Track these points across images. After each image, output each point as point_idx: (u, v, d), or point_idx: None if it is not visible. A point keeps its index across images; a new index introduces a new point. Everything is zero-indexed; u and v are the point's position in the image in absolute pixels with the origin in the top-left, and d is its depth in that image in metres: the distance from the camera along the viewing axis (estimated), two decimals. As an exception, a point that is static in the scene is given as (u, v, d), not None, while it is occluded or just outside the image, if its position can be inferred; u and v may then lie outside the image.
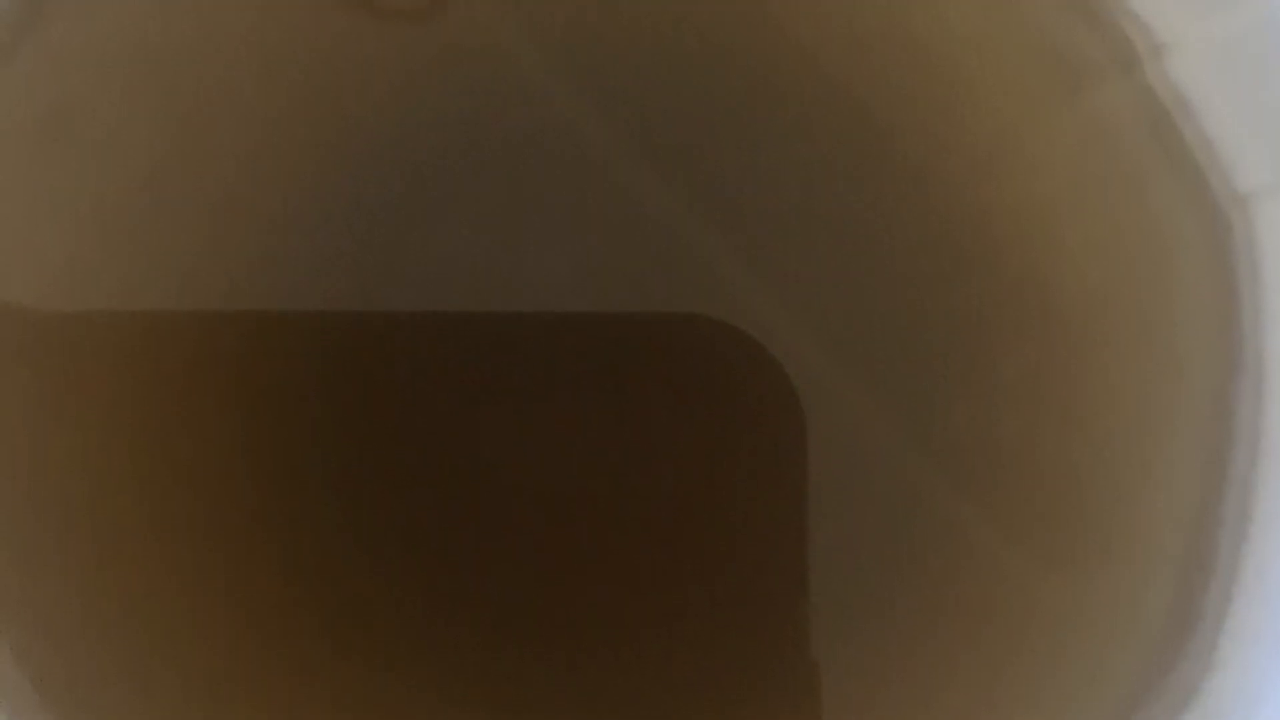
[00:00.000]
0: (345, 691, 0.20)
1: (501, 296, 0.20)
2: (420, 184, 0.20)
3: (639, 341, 0.20)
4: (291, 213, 0.21)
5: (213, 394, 0.20)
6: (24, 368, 0.20)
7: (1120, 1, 0.20)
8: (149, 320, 0.20)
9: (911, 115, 0.21)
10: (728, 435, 0.20)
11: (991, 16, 0.21)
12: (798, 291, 0.21)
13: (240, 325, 0.20)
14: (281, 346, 0.20)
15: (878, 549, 0.20)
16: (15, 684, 0.19)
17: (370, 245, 0.20)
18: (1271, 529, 0.20)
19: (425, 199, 0.20)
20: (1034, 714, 0.20)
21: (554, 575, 0.20)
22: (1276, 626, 0.19)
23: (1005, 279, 0.21)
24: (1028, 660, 0.20)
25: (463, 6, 0.21)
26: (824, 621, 0.20)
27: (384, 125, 0.21)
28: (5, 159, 0.20)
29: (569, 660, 0.20)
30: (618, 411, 0.20)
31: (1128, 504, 0.20)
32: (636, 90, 0.21)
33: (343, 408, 0.20)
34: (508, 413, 0.20)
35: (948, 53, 0.21)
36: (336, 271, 0.20)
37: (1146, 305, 0.20)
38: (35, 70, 0.20)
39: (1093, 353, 0.20)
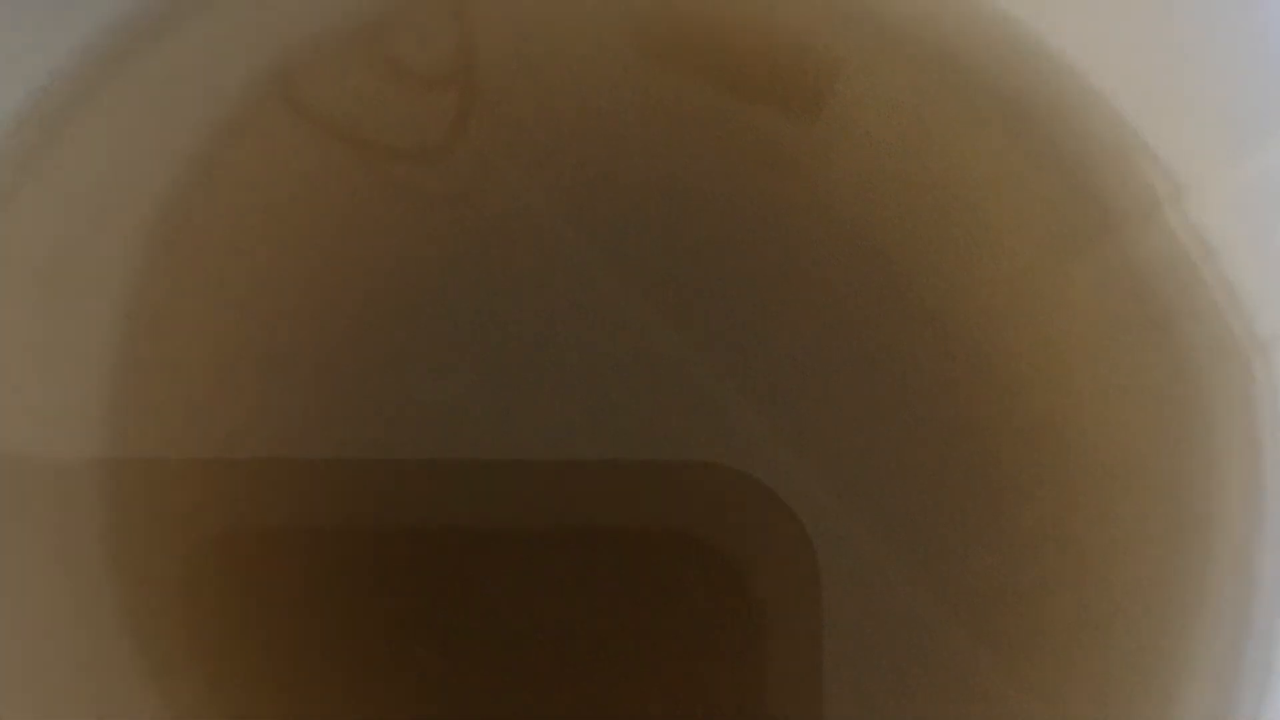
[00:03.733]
0: None
1: (514, 442, 0.20)
2: (429, 330, 0.20)
3: (652, 489, 0.20)
4: (295, 356, 0.20)
5: (214, 543, 0.20)
6: (16, 519, 0.20)
7: (1142, 145, 0.20)
8: (148, 468, 0.20)
9: (929, 259, 0.20)
10: (743, 583, 0.20)
11: (1011, 161, 0.20)
12: (813, 438, 0.20)
13: (242, 473, 0.20)
14: (284, 496, 0.20)
15: (894, 699, 0.20)
16: None
17: (378, 390, 0.20)
18: (1295, 685, 0.19)
19: (433, 346, 0.20)
20: None
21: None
22: (1300, 782, 0.19)
23: (1024, 425, 0.20)
24: (1047, 817, 0.20)
25: (474, 153, 0.20)
26: (839, 774, 0.20)
27: (395, 272, 0.20)
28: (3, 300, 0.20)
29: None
30: (627, 561, 0.20)
31: (1149, 655, 0.20)
32: (649, 236, 0.20)
33: (349, 554, 0.20)
34: (520, 559, 0.20)
35: (966, 196, 0.20)
36: (342, 416, 0.20)
37: (1168, 453, 0.20)
38: (36, 211, 0.20)
39: (1113, 501, 0.20)
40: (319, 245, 0.20)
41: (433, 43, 0.20)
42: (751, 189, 0.20)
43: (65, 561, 0.20)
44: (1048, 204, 0.20)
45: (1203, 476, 0.20)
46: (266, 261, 0.20)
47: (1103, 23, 0.20)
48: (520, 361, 0.20)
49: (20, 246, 0.20)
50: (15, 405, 0.20)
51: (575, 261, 0.20)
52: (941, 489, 0.20)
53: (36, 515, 0.20)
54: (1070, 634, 0.20)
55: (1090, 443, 0.20)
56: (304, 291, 0.20)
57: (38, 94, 0.20)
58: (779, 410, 0.20)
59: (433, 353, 0.20)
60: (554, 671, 0.20)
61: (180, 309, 0.20)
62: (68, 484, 0.20)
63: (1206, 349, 0.20)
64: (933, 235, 0.20)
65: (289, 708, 0.19)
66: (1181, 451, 0.20)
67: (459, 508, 0.20)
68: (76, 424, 0.20)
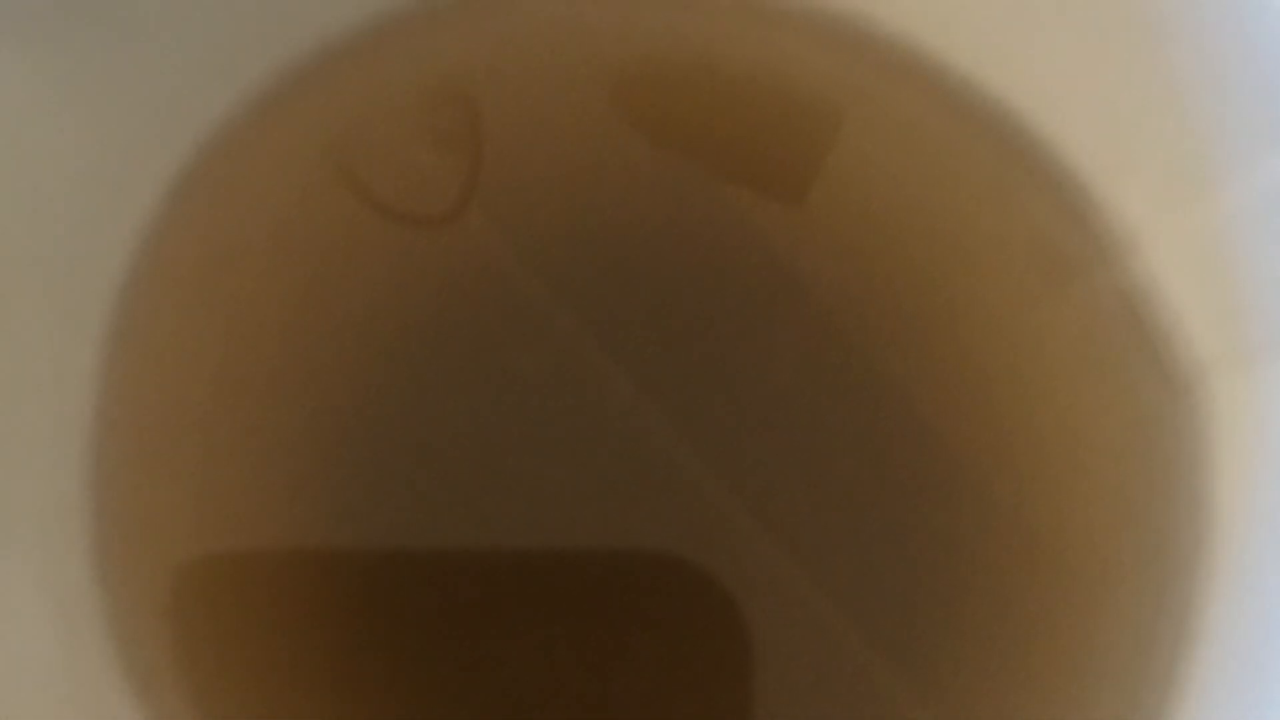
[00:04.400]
0: None
1: (494, 526, 0.20)
2: (419, 361, 0.20)
3: (617, 579, 0.20)
4: (281, 377, 0.20)
5: (201, 565, 0.19)
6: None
7: (1093, 194, 0.21)
8: (133, 489, 0.19)
9: (914, 292, 0.21)
10: (728, 653, 0.20)
11: (983, 213, 0.21)
12: (796, 451, 0.20)
13: (228, 494, 0.19)
14: (270, 517, 0.19)
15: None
16: None
17: (369, 409, 0.20)
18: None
19: (424, 375, 0.20)
20: None
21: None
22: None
23: (1008, 459, 0.20)
24: None
25: (466, 182, 0.21)
26: None
27: (387, 301, 0.20)
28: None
29: None
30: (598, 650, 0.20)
31: (1140, 681, 0.20)
32: (640, 278, 0.21)
33: (335, 576, 0.19)
34: (503, 599, 0.19)
35: (959, 227, 0.21)
36: (330, 435, 0.20)
37: (1161, 481, 0.20)
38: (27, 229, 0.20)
39: (1104, 531, 0.20)
40: (307, 270, 0.20)
41: (428, 68, 0.21)
42: (742, 215, 0.21)
43: (50, 583, 0.19)
44: (1022, 253, 0.21)
45: (1193, 503, 0.20)
46: (253, 285, 0.20)
47: (1051, 72, 0.21)
48: (507, 442, 0.20)
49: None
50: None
51: (564, 336, 0.20)
52: (929, 516, 0.20)
53: (22, 537, 0.19)
54: (1062, 663, 0.20)
55: (1079, 470, 0.20)
56: (291, 315, 0.20)
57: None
58: (764, 428, 0.20)
59: (424, 380, 0.20)
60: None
61: (166, 330, 0.20)
62: (53, 505, 0.19)
63: (1202, 366, 0.20)
64: (914, 277, 0.21)
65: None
66: (1171, 479, 0.20)
67: (450, 533, 0.20)
68: (62, 445, 0.19)
